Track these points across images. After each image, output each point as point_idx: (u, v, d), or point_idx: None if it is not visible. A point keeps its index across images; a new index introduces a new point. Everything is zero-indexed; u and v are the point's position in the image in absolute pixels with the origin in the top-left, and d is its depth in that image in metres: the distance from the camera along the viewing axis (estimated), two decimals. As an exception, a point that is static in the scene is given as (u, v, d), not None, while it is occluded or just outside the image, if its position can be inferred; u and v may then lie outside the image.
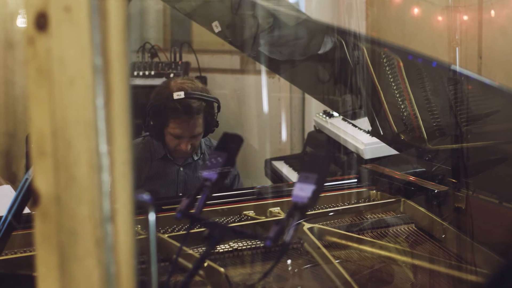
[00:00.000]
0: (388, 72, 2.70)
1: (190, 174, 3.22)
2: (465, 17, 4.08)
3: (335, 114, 4.28)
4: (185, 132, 3.07)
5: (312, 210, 2.53)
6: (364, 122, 3.52)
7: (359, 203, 2.73)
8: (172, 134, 3.08)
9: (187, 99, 3.01)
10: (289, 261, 2.24)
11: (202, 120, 3.09)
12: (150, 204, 1.30)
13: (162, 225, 2.44)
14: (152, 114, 3.07)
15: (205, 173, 1.65)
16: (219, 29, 2.98)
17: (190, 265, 2.06)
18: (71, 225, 0.86)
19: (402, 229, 2.52)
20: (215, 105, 3.14)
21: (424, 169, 2.82)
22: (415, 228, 2.52)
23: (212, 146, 3.25)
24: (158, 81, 5.18)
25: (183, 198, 1.63)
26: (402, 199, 2.67)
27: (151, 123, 3.08)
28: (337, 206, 2.67)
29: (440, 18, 4.27)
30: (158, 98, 3.08)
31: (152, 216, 1.30)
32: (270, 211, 2.62)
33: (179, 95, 2.99)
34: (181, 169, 3.23)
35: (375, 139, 3.37)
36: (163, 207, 2.47)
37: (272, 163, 4.55)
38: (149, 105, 3.09)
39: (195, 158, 3.24)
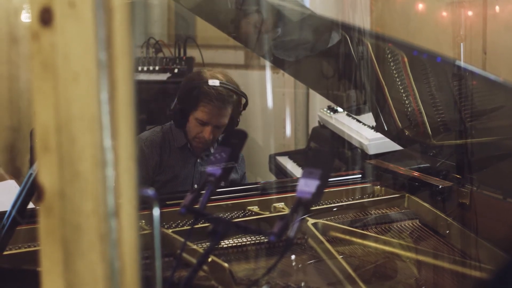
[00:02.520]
0: (393, 68, 2.69)
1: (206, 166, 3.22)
2: (470, 13, 4.07)
3: (340, 109, 4.27)
4: (212, 119, 3.08)
5: (316, 206, 2.53)
6: (368, 118, 3.51)
7: (363, 198, 2.73)
8: (199, 119, 3.08)
9: (221, 88, 3.04)
10: (293, 257, 2.24)
11: (229, 112, 3.10)
12: (155, 199, 1.30)
13: (166, 220, 2.44)
14: (182, 97, 3.09)
15: (209, 168, 1.66)
16: None
17: (194, 261, 2.06)
18: (76, 220, 0.86)
19: (406, 224, 2.51)
20: (243, 102, 3.16)
21: (428, 165, 2.82)
22: (419, 224, 2.52)
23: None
24: (162, 76, 5.20)
25: (187, 194, 1.63)
26: (406, 195, 2.66)
27: (178, 107, 3.10)
28: (341, 202, 2.67)
29: (444, 13, 4.26)
30: (191, 83, 3.11)
31: (156, 211, 1.31)
32: (274, 207, 2.62)
33: (214, 82, 3.03)
34: (199, 160, 3.23)
35: (379, 135, 3.36)
36: (168, 202, 2.47)
37: (276, 158, 4.55)
38: (181, 88, 3.13)
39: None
